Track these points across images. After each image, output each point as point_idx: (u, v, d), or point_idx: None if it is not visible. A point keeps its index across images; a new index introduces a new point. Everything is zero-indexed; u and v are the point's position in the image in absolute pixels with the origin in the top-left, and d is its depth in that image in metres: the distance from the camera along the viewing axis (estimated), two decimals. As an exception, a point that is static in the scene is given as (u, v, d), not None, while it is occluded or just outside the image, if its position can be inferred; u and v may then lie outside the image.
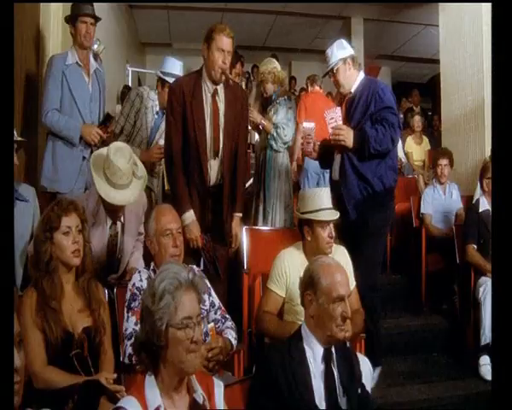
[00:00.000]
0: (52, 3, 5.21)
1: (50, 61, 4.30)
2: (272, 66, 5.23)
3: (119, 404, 1.89)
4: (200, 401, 1.94)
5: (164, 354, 1.88)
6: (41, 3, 5.03)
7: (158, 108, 4.68)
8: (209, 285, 3.10)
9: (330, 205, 3.47)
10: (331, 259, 2.67)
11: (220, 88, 3.76)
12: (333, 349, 2.43)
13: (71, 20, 4.30)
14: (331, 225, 3.37)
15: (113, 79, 9.61)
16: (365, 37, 11.89)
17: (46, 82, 4.21)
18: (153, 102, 4.69)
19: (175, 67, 4.83)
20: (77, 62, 4.24)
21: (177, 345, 1.87)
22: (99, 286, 2.90)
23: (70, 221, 2.74)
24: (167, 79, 4.61)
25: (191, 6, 11.03)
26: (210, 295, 3.11)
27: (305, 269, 2.60)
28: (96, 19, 4.37)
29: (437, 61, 7.41)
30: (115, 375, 2.57)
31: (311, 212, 3.40)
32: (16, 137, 3.40)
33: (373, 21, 11.79)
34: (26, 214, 3.48)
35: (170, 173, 3.79)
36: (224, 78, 3.70)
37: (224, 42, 3.66)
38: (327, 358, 2.40)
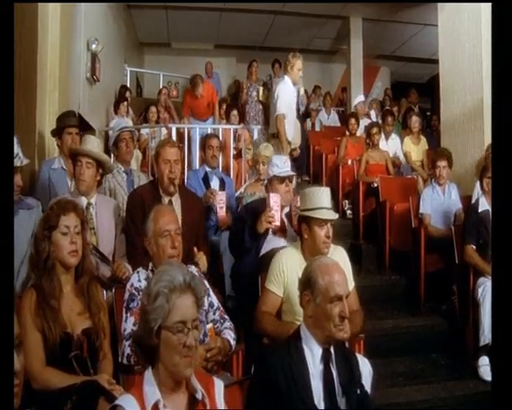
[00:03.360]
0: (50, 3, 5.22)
1: (41, 168, 4.59)
2: (271, 152, 5.25)
3: (116, 402, 1.89)
4: (200, 397, 1.94)
5: (158, 353, 1.89)
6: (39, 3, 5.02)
7: (122, 169, 4.86)
8: (208, 286, 3.09)
9: (329, 205, 3.46)
10: (329, 259, 2.66)
11: (176, 198, 3.95)
12: (332, 350, 2.42)
13: (57, 133, 4.67)
14: (329, 224, 3.37)
15: (112, 78, 9.61)
16: (364, 36, 11.90)
17: (37, 181, 4.57)
18: (118, 172, 4.84)
19: (121, 123, 5.44)
20: (62, 167, 4.51)
21: (169, 347, 1.87)
22: (99, 289, 2.90)
23: (68, 221, 2.74)
24: (119, 131, 5.05)
25: (190, 6, 11.02)
26: (209, 295, 3.10)
27: (303, 269, 2.60)
28: (81, 129, 4.75)
29: (436, 61, 7.39)
30: (114, 380, 2.56)
31: (309, 210, 3.39)
32: (22, 159, 3.47)
33: (372, 21, 11.79)
34: (28, 220, 3.49)
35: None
36: (173, 188, 3.91)
37: (168, 152, 3.93)
38: (326, 358, 2.39)
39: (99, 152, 4.07)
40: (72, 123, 4.70)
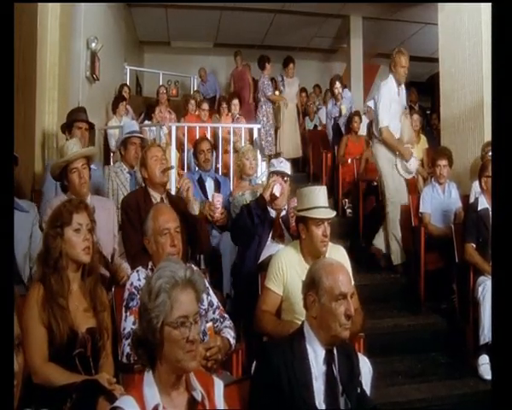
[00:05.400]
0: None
1: (48, 166, 4.57)
2: (249, 148, 5.52)
3: (116, 404, 1.88)
4: (199, 398, 1.93)
5: (160, 351, 1.88)
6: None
7: (126, 170, 4.94)
8: (207, 284, 3.09)
9: (326, 204, 3.48)
10: (333, 259, 2.66)
11: (165, 197, 4.11)
12: (334, 351, 2.42)
13: (67, 127, 4.75)
14: (326, 223, 3.37)
15: (112, 77, 9.60)
16: (364, 35, 11.90)
17: (44, 182, 4.52)
18: (122, 171, 4.94)
19: (133, 125, 5.36)
20: None
21: (172, 344, 1.86)
22: (103, 289, 2.91)
23: (81, 219, 2.76)
24: (131, 135, 5.07)
25: (189, 5, 11.01)
26: (208, 294, 3.10)
27: (307, 271, 2.60)
28: (91, 125, 4.89)
29: (436, 60, 7.39)
30: (115, 379, 2.56)
31: (306, 209, 3.40)
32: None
33: (372, 20, 11.79)
34: (25, 222, 3.52)
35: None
36: (166, 177, 4.16)
37: (154, 150, 4.18)
38: (329, 360, 2.39)
39: (90, 149, 4.21)
40: (82, 117, 4.79)
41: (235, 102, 8.08)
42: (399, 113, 5.75)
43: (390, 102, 5.62)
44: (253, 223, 4.14)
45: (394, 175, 5.70)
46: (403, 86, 5.73)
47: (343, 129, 8.38)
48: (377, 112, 5.67)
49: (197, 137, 6.88)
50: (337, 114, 8.60)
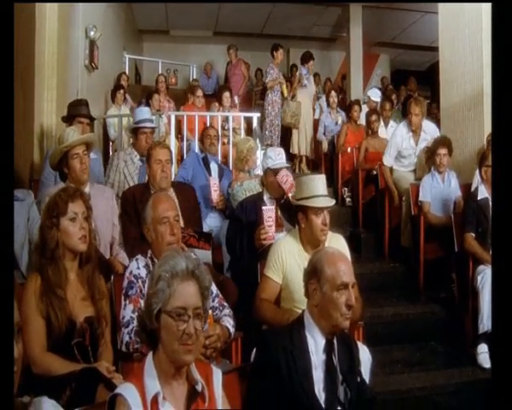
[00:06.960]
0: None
1: (47, 154, 4.58)
2: (250, 143, 5.44)
3: (116, 391, 1.87)
4: (199, 388, 1.93)
5: (159, 338, 1.89)
6: None
7: (138, 157, 4.94)
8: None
9: (325, 192, 3.46)
10: (335, 249, 2.65)
11: (170, 192, 4.07)
12: (334, 340, 2.42)
13: (67, 120, 4.74)
14: (325, 212, 3.35)
15: (111, 66, 9.57)
16: (364, 24, 11.83)
17: (44, 167, 4.55)
18: (132, 160, 4.95)
19: (143, 113, 5.25)
20: None
21: (168, 333, 1.87)
22: (101, 277, 2.89)
23: (77, 207, 2.74)
24: (140, 125, 5.03)
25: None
26: (209, 283, 3.10)
27: (309, 259, 2.60)
28: (92, 119, 4.88)
29: (436, 49, 7.36)
30: (114, 367, 2.57)
31: (305, 198, 3.38)
32: None
33: (372, 8, 11.73)
34: (21, 210, 3.52)
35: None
36: (166, 184, 4.11)
37: (159, 152, 4.15)
38: (328, 349, 2.39)
39: (90, 135, 4.24)
40: (83, 112, 4.77)
41: (227, 94, 8.02)
42: (411, 152, 6.09)
43: (395, 148, 6.10)
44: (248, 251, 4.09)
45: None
46: (424, 129, 5.97)
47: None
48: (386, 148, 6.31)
49: (196, 125, 6.89)
50: (333, 127, 8.70)
